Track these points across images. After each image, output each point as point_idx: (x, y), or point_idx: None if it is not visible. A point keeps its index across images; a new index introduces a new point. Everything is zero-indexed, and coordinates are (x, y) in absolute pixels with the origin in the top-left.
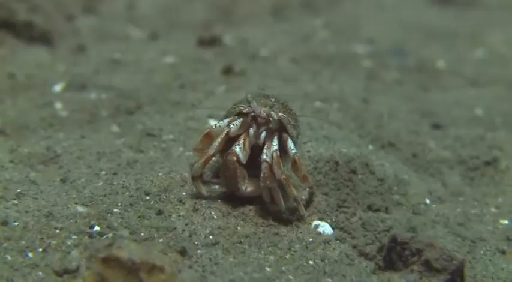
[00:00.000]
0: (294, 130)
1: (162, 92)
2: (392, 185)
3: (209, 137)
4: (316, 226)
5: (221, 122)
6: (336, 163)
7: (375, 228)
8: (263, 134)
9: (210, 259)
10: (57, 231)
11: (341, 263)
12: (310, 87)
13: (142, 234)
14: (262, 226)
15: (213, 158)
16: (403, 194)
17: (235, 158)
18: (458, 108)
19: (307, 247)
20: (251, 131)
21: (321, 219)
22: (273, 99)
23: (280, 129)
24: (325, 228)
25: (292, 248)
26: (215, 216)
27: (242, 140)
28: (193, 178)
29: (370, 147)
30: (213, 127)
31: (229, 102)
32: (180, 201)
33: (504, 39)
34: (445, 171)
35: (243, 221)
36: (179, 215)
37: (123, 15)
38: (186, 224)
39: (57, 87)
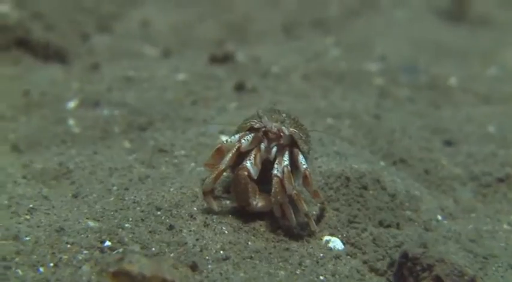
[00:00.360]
0: (305, 145)
1: (174, 109)
2: (403, 201)
3: (220, 152)
4: (327, 241)
5: (232, 137)
6: (347, 179)
7: (386, 244)
8: (274, 149)
9: (221, 274)
10: (69, 246)
11: (352, 279)
12: (322, 104)
13: (153, 249)
14: (273, 241)
15: (224, 173)
16: (415, 210)
17: (246, 173)
18: (471, 125)
19: (317, 262)
20: (262, 146)
21: (331, 235)
22: (284, 115)
23: (291, 145)
24: (336, 243)
25: (303, 263)
26: (226, 231)
27: (253, 155)
28: (204, 193)
29: (382, 163)
30: (224, 142)
31: (240, 119)
32: (191, 216)
33: None
34: (457, 188)
35: (253, 236)
36: (190, 230)
37: (137, 33)
38: (197, 239)
39: (71, 104)
